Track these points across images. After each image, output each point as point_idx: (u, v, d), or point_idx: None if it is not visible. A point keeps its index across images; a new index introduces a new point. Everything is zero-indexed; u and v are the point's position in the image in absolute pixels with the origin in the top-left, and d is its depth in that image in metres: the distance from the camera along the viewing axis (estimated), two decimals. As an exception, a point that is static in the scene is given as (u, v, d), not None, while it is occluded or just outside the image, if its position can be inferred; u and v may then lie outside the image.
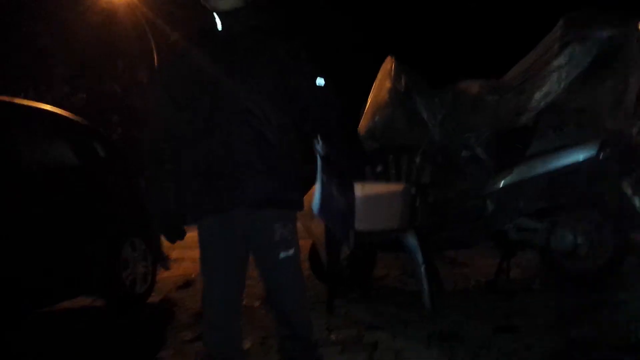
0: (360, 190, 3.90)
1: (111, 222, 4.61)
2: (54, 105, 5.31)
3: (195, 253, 2.20)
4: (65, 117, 4.96)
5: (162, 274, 5.59)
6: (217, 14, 2.05)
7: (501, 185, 4.09)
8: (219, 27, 2.06)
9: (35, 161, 4.14)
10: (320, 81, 2.17)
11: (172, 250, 6.20)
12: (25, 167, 4.00)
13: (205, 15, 2.07)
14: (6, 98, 4.53)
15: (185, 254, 6.57)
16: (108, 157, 5.06)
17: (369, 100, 4.89)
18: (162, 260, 5.19)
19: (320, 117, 2.14)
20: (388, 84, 4.69)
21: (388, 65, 4.75)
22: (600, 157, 3.91)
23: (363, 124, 4.78)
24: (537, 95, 4.15)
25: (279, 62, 2.07)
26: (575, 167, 3.95)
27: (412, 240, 3.76)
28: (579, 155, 3.96)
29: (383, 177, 4.46)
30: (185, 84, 2.06)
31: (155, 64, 2.23)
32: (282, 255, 2.11)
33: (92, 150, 4.96)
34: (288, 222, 2.14)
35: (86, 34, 10.63)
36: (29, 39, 9.83)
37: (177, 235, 2.19)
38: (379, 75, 4.86)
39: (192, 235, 2.20)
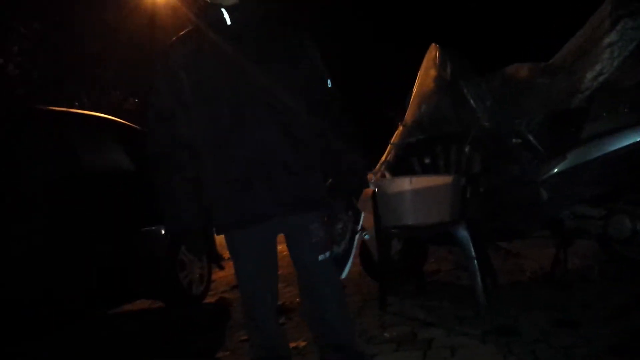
0: (409, 184, 3.91)
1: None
2: (107, 111, 5.47)
3: None
4: (118, 122, 5.11)
5: (217, 274, 5.70)
6: (224, 9, 2.02)
7: (555, 172, 3.95)
8: (228, 21, 2.03)
9: (95, 167, 4.30)
10: (328, 81, 2.16)
11: (225, 249, 6.29)
12: (86, 172, 4.16)
13: (211, 11, 2.05)
14: (64, 109, 4.71)
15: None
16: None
17: (414, 90, 4.80)
18: (217, 260, 5.28)
19: (327, 111, 2.12)
20: (433, 72, 4.58)
21: (432, 53, 4.64)
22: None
23: (409, 115, 4.70)
24: (590, 74, 3.98)
25: (291, 52, 2.07)
26: (632, 149, 3.78)
27: (463, 233, 3.69)
28: (636, 137, 3.79)
29: (431, 168, 4.38)
30: (201, 83, 2.02)
31: (160, 68, 2.24)
32: (321, 257, 2.10)
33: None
34: (323, 222, 2.13)
35: (132, 37, 10.87)
36: (78, 46, 10.11)
37: (200, 250, 2.15)
38: (423, 64, 4.76)
39: None
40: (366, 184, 2.26)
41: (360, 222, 2.22)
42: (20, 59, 9.65)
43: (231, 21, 2.03)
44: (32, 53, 9.77)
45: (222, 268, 5.76)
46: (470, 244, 3.62)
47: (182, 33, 2.16)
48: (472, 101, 4.34)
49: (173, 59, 2.05)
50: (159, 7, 11.48)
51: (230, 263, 6.43)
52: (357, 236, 2.21)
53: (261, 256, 2.11)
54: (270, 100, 2.00)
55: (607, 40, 3.92)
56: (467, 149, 4.31)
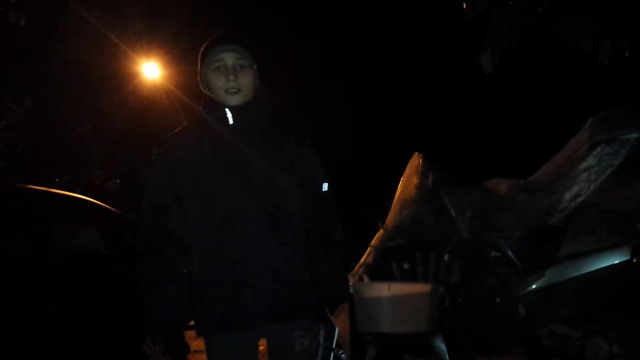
0: (387, 290, 3.89)
1: (135, 314, 4.58)
2: (88, 190, 5.45)
3: None
4: (96, 205, 5.08)
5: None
6: (228, 109, 2.03)
7: (532, 288, 3.97)
8: (230, 121, 2.02)
9: (68, 248, 4.22)
10: (324, 185, 2.15)
11: (192, 340, 6.09)
12: (59, 254, 4.07)
13: (215, 109, 2.05)
14: (43, 188, 4.69)
15: (203, 345, 6.39)
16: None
17: (397, 195, 4.89)
18: (183, 352, 5.09)
19: (319, 216, 2.10)
20: (415, 180, 4.69)
21: (415, 161, 4.77)
22: (634, 260, 3.79)
23: (390, 218, 4.75)
24: (568, 195, 4.10)
25: (290, 156, 2.06)
26: (608, 271, 3.83)
27: (440, 345, 3.64)
28: (612, 259, 3.85)
29: (410, 274, 4.37)
30: (198, 181, 1.98)
31: (159, 161, 2.24)
32: None
33: (120, 239, 5.02)
34: (309, 330, 2.05)
35: (124, 120, 11.03)
36: (66, 124, 10.21)
37: (181, 350, 2.04)
38: (406, 171, 4.88)
39: None
40: (344, 297, 2.16)
41: (335, 339, 2.08)
42: (7, 133, 9.69)
43: (233, 121, 2.03)
44: (19, 128, 9.83)
45: (186, 361, 5.53)
46: (447, 356, 3.56)
47: (183, 126, 2.16)
48: (452, 211, 4.41)
49: (172, 152, 2.03)
50: (156, 93, 11.74)
51: (196, 356, 6.17)
52: (331, 355, 2.05)
53: None
54: (265, 205, 1.98)
55: (584, 163, 4.07)
56: (446, 258, 4.33)
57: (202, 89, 2.11)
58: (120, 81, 10.94)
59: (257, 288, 1.95)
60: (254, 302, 1.94)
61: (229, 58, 2.02)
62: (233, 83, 2.01)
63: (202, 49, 2.08)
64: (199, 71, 2.10)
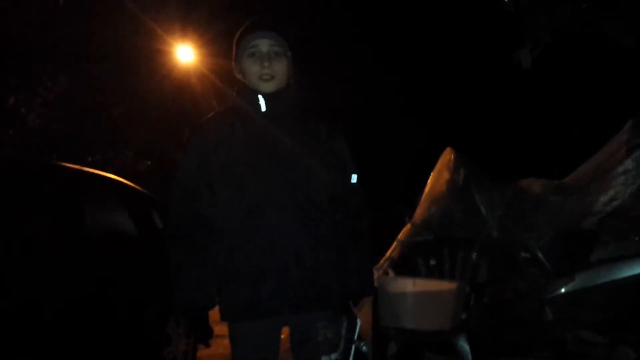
0: (412, 286, 3.85)
1: (160, 296, 4.62)
2: (119, 169, 5.50)
3: None
4: (127, 185, 5.12)
5: (203, 351, 5.51)
6: (261, 95, 2.02)
7: (562, 292, 3.88)
8: (263, 108, 2.03)
9: (97, 228, 4.26)
10: (354, 177, 2.14)
11: (215, 325, 6.17)
12: (88, 234, 4.11)
13: (248, 95, 2.05)
14: (76, 166, 4.74)
15: (226, 330, 6.44)
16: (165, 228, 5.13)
17: (426, 189, 4.82)
18: (206, 336, 5.13)
19: (347, 207, 2.09)
20: (446, 175, 4.62)
21: (447, 156, 4.69)
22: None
23: (418, 214, 4.70)
24: (603, 198, 3.99)
25: (320, 145, 2.06)
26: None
27: (463, 344, 3.60)
28: None
29: (436, 271, 4.32)
30: (229, 166, 1.99)
31: (191, 145, 2.24)
32: (324, 358, 2.03)
33: (150, 220, 5.06)
34: (332, 322, 2.05)
35: (158, 102, 11.11)
36: (100, 104, 10.32)
37: (206, 334, 2.06)
38: (437, 166, 4.81)
39: None
40: (369, 290, 2.14)
41: (357, 332, 2.07)
42: (42, 111, 9.84)
43: (266, 108, 2.03)
44: (54, 106, 9.98)
45: (208, 346, 5.58)
46: (470, 356, 3.51)
47: (216, 111, 2.16)
48: (482, 209, 4.34)
49: (205, 137, 2.04)
50: (190, 76, 11.79)
51: (217, 341, 6.26)
52: (353, 347, 2.07)
53: (263, 349, 2.04)
54: (295, 194, 1.98)
55: (622, 167, 3.96)
56: (474, 256, 4.27)
57: (235, 74, 2.10)
58: (155, 63, 11.01)
59: (283, 276, 1.96)
60: (278, 289, 1.95)
61: (264, 44, 2.01)
62: (267, 70, 2.00)
63: (237, 35, 2.07)
64: (233, 57, 2.10)
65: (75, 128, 10.04)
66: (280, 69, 2.02)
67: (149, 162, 11.36)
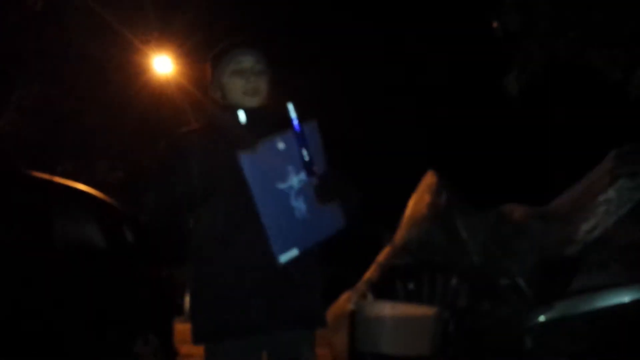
0: (390, 310, 3.78)
1: (129, 313, 4.48)
2: (90, 181, 5.36)
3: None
4: (98, 198, 4.97)
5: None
6: (242, 110, 2.01)
7: (541, 320, 3.84)
8: (242, 120, 2.01)
9: (65, 242, 4.14)
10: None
11: (182, 344, 6.00)
12: (55, 247, 3.99)
13: (228, 111, 2.02)
14: (46, 176, 4.59)
15: (193, 350, 6.26)
16: (136, 243, 5.00)
17: (407, 211, 4.77)
18: (172, 357, 4.98)
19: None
20: (428, 198, 4.57)
21: (429, 179, 4.66)
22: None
23: (398, 236, 4.64)
24: (584, 227, 3.97)
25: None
26: (620, 309, 3.71)
27: (442, 372, 3.51)
28: (625, 297, 3.74)
29: (415, 295, 4.25)
30: (208, 176, 1.94)
31: (170, 153, 2.18)
32: None
33: (120, 234, 4.92)
34: (313, 345, 2.01)
35: (133, 113, 10.96)
36: (73, 112, 10.16)
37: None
38: (419, 188, 4.77)
39: None
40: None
41: None
42: (14, 117, 9.62)
43: (247, 122, 2.01)
44: (27, 113, 9.76)
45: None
46: (449, 385, 3.43)
47: (198, 125, 2.12)
48: (463, 233, 4.29)
49: (185, 145, 1.99)
50: (168, 87, 11.68)
51: (184, 361, 6.03)
52: None
53: None
54: None
55: (604, 196, 3.95)
56: (454, 281, 4.21)
57: (212, 94, 2.08)
58: (132, 73, 10.88)
59: (264, 291, 1.90)
60: (262, 306, 1.89)
61: (247, 61, 2.02)
62: (253, 84, 2.00)
63: (216, 53, 2.06)
64: (210, 74, 2.08)
65: (47, 136, 9.82)
66: (263, 86, 2.03)
67: (122, 174, 11.16)
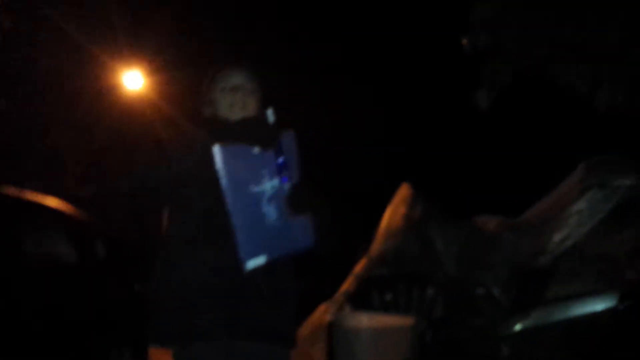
0: (367, 321, 3.78)
1: (101, 328, 4.39)
2: (60, 195, 5.27)
3: None
4: (68, 212, 4.89)
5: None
6: (230, 123, 2.04)
7: (517, 329, 3.89)
8: (232, 135, 2.01)
9: (36, 256, 4.06)
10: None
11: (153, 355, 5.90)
12: (25, 263, 3.91)
13: (216, 124, 2.05)
14: (15, 191, 4.51)
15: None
16: (108, 258, 4.92)
17: (382, 223, 4.81)
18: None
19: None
20: (402, 210, 4.62)
21: (404, 191, 4.71)
22: (620, 308, 3.76)
23: (374, 248, 4.67)
24: (556, 237, 4.06)
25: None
26: (594, 317, 3.79)
27: (420, 382, 3.52)
28: (598, 305, 3.82)
29: (392, 306, 4.27)
30: (189, 176, 1.95)
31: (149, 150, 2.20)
32: None
33: (92, 249, 4.84)
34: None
35: (102, 129, 10.82)
36: (43, 134, 10.02)
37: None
38: (394, 200, 4.82)
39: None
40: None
41: None
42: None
43: (235, 135, 2.01)
44: (-7, 127, 9.57)
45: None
46: (427, 395, 3.45)
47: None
48: (438, 245, 4.35)
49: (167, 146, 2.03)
50: (139, 104, 11.57)
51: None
52: None
53: None
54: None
55: (575, 207, 4.05)
56: (429, 292, 4.25)
57: (203, 111, 2.13)
58: (101, 90, 10.76)
59: (227, 298, 1.89)
60: (222, 314, 1.89)
61: (238, 79, 2.09)
62: (241, 100, 2.06)
63: (210, 74, 2.13)
64: (203, 94, 2.14)
65: (15, 152, 9.63)
66: (252, 102, 2.07)
67: (93, 188, 10.99)
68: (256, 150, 1.93)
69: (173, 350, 1.97)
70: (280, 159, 1.92)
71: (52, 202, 4.86)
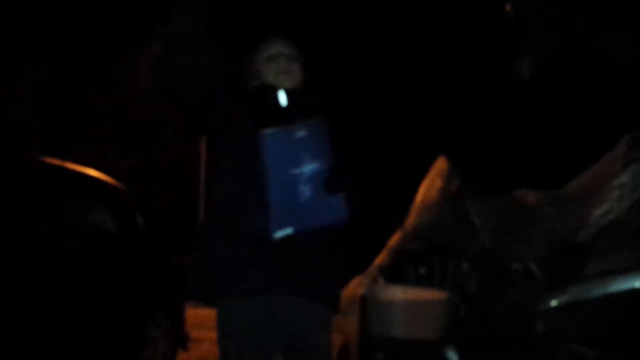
0: (402, 294, 3.77)
1: (141, 297, 4.51)
2: (99, 168, 5.39)
3: (215, 335, 2.05)
4: (109, 183, 4.99)
5: (180, 356, 5.37)
6: (282, 90, 2.11)
7: (553, 305, 3.82)
8: (284, 102, 2.10)
9: (78, 227, 4.17)
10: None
11: (192, 329, 6.02)
12: (69, 231, 4.02)
13: (267, 92, 2.11)
14: (57, 161, 4.62)
15: (204, 334, 6.31)
16: (146, 229, 5.02)
17: (418, 197, 4.76)
18: (183, 340, 5.02)
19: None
20: (439, 184, 4.57)
21: (440, 165, 4.64)
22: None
23: (409, 222, 4.63)
24: (598, 211, 3.94)
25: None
26: (633, 293, 3.69)
27: (452, 355, 3.52)
28: (638, 282, 3.71)
29: (426, 280, 4.24)
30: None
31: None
32: None
33: (132, 220, 4.94)
34: (330, 329, 2.05)
35: (140, 100, 10.97)
36: (82, 103, 10.20)
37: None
38: (430, 174, 4.76)
39: (211, 313, 2.06)
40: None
41: None
42: (24, 104, 9.64)
43: (287, 102, 2.09)
44: (36, 100, 9.79)
45: (185, 349, 5.45)
46: (460, 369, 3.44)
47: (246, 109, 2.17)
48: (475, 219, 4.28)
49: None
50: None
51: (195, 345, 6.11)
52: None
53: (263, 343, 1.96)
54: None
55: (617, 180, 3.92)
56: (465, 267, 4.20)
57: (250, 83, 2.18)
58: (141, 60, 10.87)
59: (301, 256, 1.98)
60: (293, 267, 1.98)
61: (279, 47, 2.15)
62: (285, 66, 2.12)
63: (251, 44, 2.20)
64: (248, 65, 2.20)
65: (57, 123, 9.87)
66: (295, 69, 2.14)
67: (131, 162, 11.20)
68: (300, 133, 1.99)
69: (217, 309, 2.02)
70: (323, 142, 2.01)
71: (93, 173, 4.97)
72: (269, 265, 1.94)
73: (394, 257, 4.42)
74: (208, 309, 2.06)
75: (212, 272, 1.98)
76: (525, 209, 4.21)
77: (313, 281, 1.98)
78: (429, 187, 4.65)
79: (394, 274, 4.30)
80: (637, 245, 3.84)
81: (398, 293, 3.77)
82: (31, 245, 3.66)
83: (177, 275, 5.32)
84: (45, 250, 3.74)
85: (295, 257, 1.96)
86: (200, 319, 4.75)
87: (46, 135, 9.66)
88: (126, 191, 5.16)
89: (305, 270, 1.97)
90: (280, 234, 1.95)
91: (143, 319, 4.47)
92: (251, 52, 2.20)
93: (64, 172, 4.46)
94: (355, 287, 4.36)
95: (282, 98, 2.09)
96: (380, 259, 4.51)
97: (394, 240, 4.57)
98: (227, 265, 1.96)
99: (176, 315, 4.94)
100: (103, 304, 4.07)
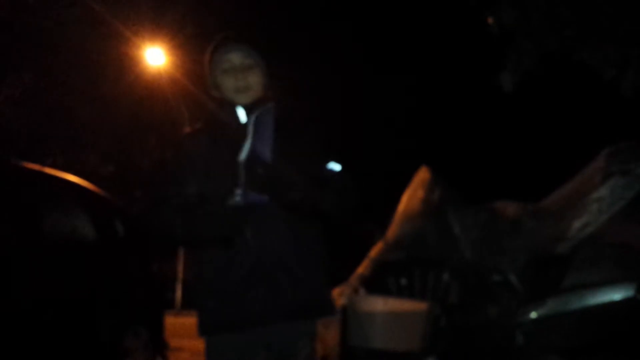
0: (382, 305, 3.77)
1: (119, 306, 4.45)
2: (80, 174, 5.34)
3: (195, 344, 2.04)
4: (89, 190, 4.94)
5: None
6: (240, 106, 2.04)
7: (532, 317, 3.85)
8: (243, 119, 2.03)
9: (55, 232, 4.11)
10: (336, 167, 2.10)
11: (173, 338, 5.97)
12: (45, 237, 3.96)
13: (225, 108, 2.05)
14: (36, 167, 4.56)
15: (183, 343, 6.27)
16: (126, 236, 4.97)
17: (399, 207, 4.77)
18: (163, 349, 4.97)
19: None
20: (420, 194, 4.58)
21: (422, 175, 4.66)
22: (638, 298, 3.70)
23: (391, 232, 4.64)
24: (576, 224, 3.99)
25: (304, 150, 2.05)
26: (611, 306, 3.73)
27: (433, 367, 3.52)
28: (616, 294, 3.75)
29: (407, 291, 4.25)
30: (212, 175, 1.98)
31: (175, 155, 2.17)
32: None
33: (111, 227, 4.89)
34: (313, 338, 2.02)
35: (124, 107, 10.90)
36: (65, 109, 10.12)
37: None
38: (412, 184, 4.77)
39: (191, 322, 2.06)
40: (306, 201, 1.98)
41: None
42: (4, 108, 9.54)
43: (246, 119, 2.03)
44: (16, 103, 9.69)
45: (165, 359, 5.40)
46: (439, 380, 3.44)
47: (198, 126, 2.14)
48: (456, 230, 4.30)
49: (188, 147, 2.05)
50: (161, 80, 11.61)
51: (174, 355, 6.05)
52: None
53: None
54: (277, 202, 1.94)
55: (596, 193, 3.97)
56: (445, 277, 4.22)
57: (212, 93, 2.10)
58: (124, 66, 10.82)
59: (270, 282, 1.92)
60: (267, 297, 1.91)
61: (236, 58, 2.02)
62: (242, 82, 2.01)
63: (208, 53, 2.08)
64: (207, 73, 2.10)
65: (38, 128, 9.77)
66: (254, 80, 2.03)
67: (113, 168, 11.11)
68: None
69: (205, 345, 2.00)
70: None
71: (72, 179, 4.91)
72: (253, 294, 1.88)
73: (375, 268, 4.43)
74: (188, 318, 2.05)
75: (201, 305, 1.96)
76: (505, 220, 4.24)
77: (301, 299, 1.93)
78: (411, 197, 4.66)
79: (375, 284, 4.30)
80: (615, 258, 3.88)
81: (379, 304, 3.77)
82: (7, 251, 3.60)
83: (157, 282, 5.28)
84: (21, 257, 3.68)
85: (280, 277, 1.91)
86: (180, 328, 4.71)
87: (27, 140, 9.57)
88: (106, 197, 5.12)
89: (292, 289, 1.92)
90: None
91: (122, 328, 4.42)
92: (210, 60, 2.08)
93: (42, 177, 4.40)
94: (336, 297, 4.35)
95: (242, 115, 2.02)
96: (362, 269, 4.51)
97: (375, 250, 4.57)
98: (218, 298, 1.92)
99: (156, 324, 4.89)
100: (81, 313, 4.01)
